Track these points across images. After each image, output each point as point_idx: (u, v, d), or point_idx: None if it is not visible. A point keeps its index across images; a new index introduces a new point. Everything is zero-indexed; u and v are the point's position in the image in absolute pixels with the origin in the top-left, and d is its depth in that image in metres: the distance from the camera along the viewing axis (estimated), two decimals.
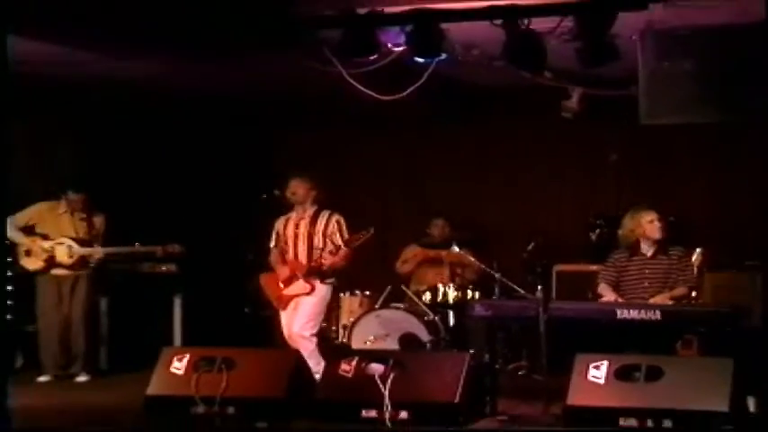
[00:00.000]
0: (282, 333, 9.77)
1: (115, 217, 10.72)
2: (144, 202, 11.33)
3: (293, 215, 9.74)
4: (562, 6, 7.99)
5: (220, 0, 8.35)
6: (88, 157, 11.89)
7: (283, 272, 9.65)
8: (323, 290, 9.65)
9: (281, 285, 9.65)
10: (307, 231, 9.64)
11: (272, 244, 9.82)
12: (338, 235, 9.58)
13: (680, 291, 8.89)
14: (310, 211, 9.70)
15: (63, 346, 10.51)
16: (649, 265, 8.99)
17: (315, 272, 9.58)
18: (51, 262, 10.45)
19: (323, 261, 9.53)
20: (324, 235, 9.61)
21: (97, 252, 10.53)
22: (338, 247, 9.52)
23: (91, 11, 8.22)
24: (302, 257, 9.63)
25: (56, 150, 11.91)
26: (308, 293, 9.59)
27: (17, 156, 11.77)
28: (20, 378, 10.39)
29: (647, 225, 9.04)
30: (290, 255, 9.68)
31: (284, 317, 9.73)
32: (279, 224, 9.81)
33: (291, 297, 9.64)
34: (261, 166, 11.96)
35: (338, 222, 9.62)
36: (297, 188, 9.65)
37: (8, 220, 10.47)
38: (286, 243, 9.72)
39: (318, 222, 9.65)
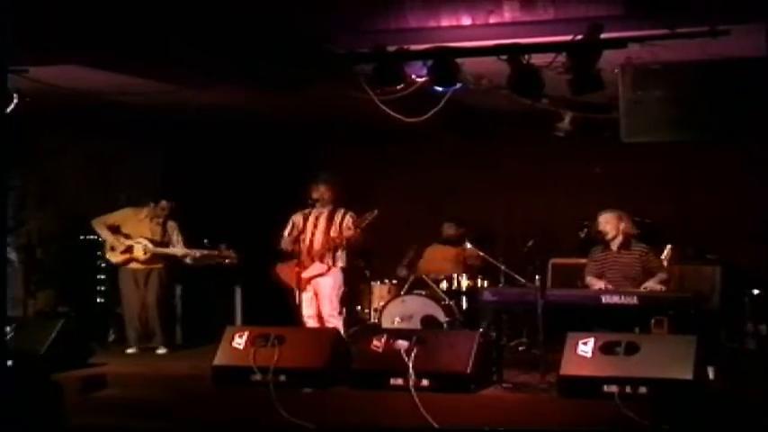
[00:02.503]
0: (301, 313, 9.57)
1: (189, 220, 10.83)
2: (212, 208, 11.39)
3: (313, 211, 9.69)
4: (557, 45, 7.97)
5: (274, 43, 8.45)
6: (167, 172, 12.03)
7: (300, 257, 9.50)
8: (337, 273, 9.63)
9: (298, 269, 9.46)
10: (325, 225, 9.62)
11: (287, 233, 9.72)
12: (348, 226, 9.57)
13: (661, 276, 8.87)
14: (328, 208, 9.68)
15: (142, 325, 10.61)
16: (616, 258, 9.03)
17: (329, 253, 9.55)
18: (129, 257, 10.56)
19: (344, 236, 9.50)
20: (339, 226, 9.59)
21: (171, 252, 10.61)
22: (350, 228, 9.48)
23: (175, 55, 8.44)
24: (317, 245, 9.59)
25: (142, 165, 12.07)
26: (323, 274, 9.56)
27: (110, 170, 12.10)
28: (112, 350, 10.62)
29: (601, 225, 9.11)
30: (307, 243, 9.61)
31: (304, 299, 9.56)
32: (297, 217, 9.74)
33: (310, 279, 9.55)
34: (306, 174, 12.01)
35: (351, 217, 9.61)
36: (325, 192, 9.65)
37: (99, 219, 10.67)
38: (304, 233, 9.64)
39: (335, 217, 9.63)
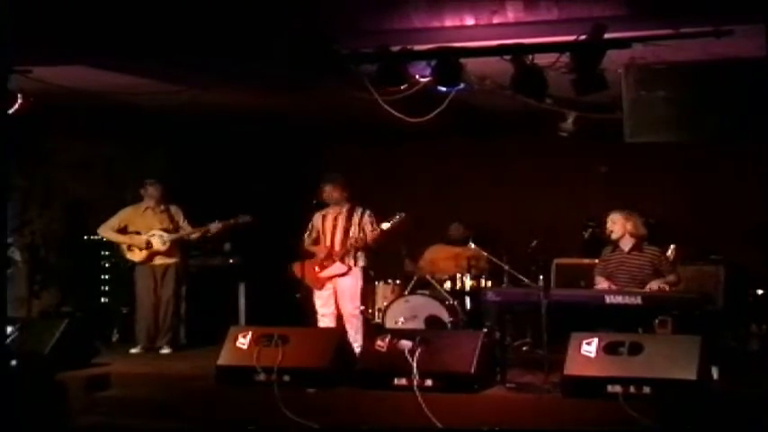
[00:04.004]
0: (315, 311, 9.74)
1: (193, 219, 10.78)
2: (215, 208, 11.31)
3: (330, 211, 9.76)
4: (560, 45, 7.93)
5: (278, 43, 8.45)
6: (171, 171, 12.01)
7: (321, 257, 9.64)
8: (357, 272, 9.71)
9: (317, 269, 9.63)
10: (344, 225, 9.68)
11: (307, 234, 9.80)
12: (369, 225, 9.62)
13: (670, 279, 8.82)
14: (345, 207, 9.74)
15: (154, 323, 10.60)
16: (626, 259, 8.98)
17: (350, 253, 9.62)
18: (151, 251, 10.54)
19: (367, 238, 9.57)
20: (359, 226, 9.66)
21: (186, 233, 10.60)
22: (375, 230, 9.56)
23: (178, 56, 8.47)
24: (337, 245, 9.65)
25: (147, 165, 12.06)
26: (344, 274, 9.63)
27: (115, 170, 12.12)
28: (115, 349, 10.62)
29: (608, 225, 9.09)
30: (328, 243, 9.68)
31: (320, 297, 9.71)
32: (317, 219, 9.81)
33: (328, 278, 9.65)
34: (311, 174, 12.00)
35: (369, 215, 9.70)
36: (332, 192, 9.71)
37: (104, 226, 10.66)
38: (324, 234, 9.73)
39: (354, 216, 9.70)
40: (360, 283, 9.78)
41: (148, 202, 10.66)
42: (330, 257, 9.65)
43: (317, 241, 9.79)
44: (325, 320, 9.71)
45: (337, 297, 9.74)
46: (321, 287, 9.72)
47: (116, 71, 8.81)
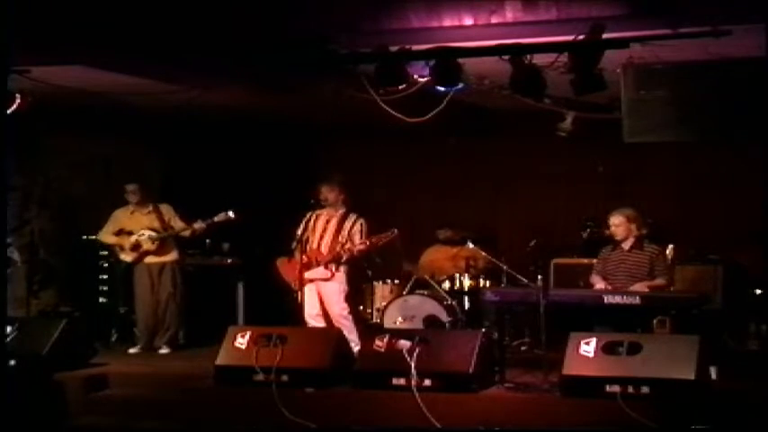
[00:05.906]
0: (303, 312, 9.50)
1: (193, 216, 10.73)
2: (214, 209, 11.29)
3: (324, 212, 9.60)
4: (559, 45, 7.95)
5: (277, 43, 8.45)
6: (169, 172, 12.00)
7: (305, 257, 9.40)
8: (340, 276, 9.55)
9: (301, 268, 9.33)
10: (335, 228, 9.55)
11: (300, 232, 9.60)
12: (359, 235, 9.48)
13: (658, 282, 8.76)
14: (340, 211, 9.60)
15: (153, 323, 10.55)
16: (626, 258, 8.92)
17: (335, 260, 9.47)
18: (140, 252, 10.49)
19: (354, 249, 9.44)
20: (349, 233, 9.50)
21: (174, 232, 10.51)
22: (364, 242, 9.44)
23: (177, 55, 8.47)
24: (324, 248, 9.49)
25: (145, 166, 12.03)
26: (327, 279, 9.49)
27: (113, 170, 12.09)
28: (114, 349, 10.58)
29: (612, 227, 9.06)
30: (314, 245, 9.52)
31: (304, 297, 9.45)
32: (309, 217, 9.62)
33: (309, 280, 9.45)
34: (310, 174, 11.99)
35: (362, 225, 9.52)
36: (328, 194, 9.56)
37: (102, 233, 10.65)
38: (313, 234, 9.56)
39: (347, 222, 9.54)
40: (344, 286, 9.59)
41: (132, 205, 10.62)
42: (315, 260, 9.50)
43: (305, 239, 9.56)
44: (312, 322, 9.53)
45: (322, 300, 9.62)
46: (302, 287, 9.39)
47: (116, 71, 8.79)
